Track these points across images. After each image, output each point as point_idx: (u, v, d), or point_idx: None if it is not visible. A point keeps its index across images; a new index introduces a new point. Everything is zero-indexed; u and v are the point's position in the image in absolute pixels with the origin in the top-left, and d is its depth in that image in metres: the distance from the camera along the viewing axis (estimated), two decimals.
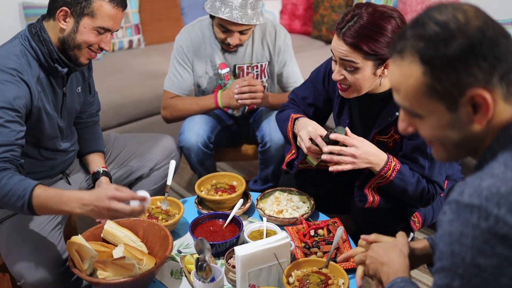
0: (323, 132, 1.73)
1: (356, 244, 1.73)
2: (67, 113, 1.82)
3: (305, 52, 3.49)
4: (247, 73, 2.30)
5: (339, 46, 1.57)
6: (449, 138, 0.93)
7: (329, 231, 1.82)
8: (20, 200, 1.40)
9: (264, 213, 1.88)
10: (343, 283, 1.51)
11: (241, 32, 2.12)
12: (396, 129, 1.72)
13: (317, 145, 1.71)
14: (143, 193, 1.43)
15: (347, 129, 1.69)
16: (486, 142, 0.91)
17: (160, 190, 2.16)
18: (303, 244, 1.75)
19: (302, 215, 1.87)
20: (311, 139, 1.73)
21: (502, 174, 0.81)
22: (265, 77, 2.35)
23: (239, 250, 1.49)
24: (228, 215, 1.85)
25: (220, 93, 2.23)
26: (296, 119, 1.87)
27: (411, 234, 1.95)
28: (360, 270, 1.35)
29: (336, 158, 1.66)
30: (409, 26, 0.90)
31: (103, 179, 1.91)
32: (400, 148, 1.76)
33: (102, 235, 1.67)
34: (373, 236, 1.38)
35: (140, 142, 2.13)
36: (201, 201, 2.00)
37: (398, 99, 0.95)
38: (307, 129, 1.74)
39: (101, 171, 1.92)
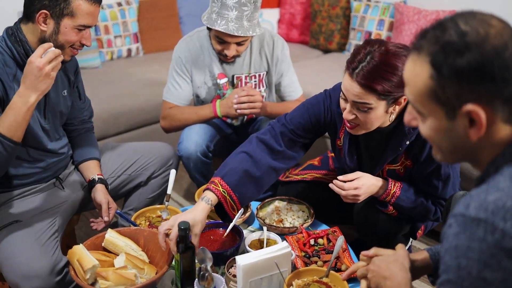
0: (197, 230, 1.59)
1: (356, 253, 1.76)
2: (52, 114, 1.82)
3: (303, 61, 3.52)
4: (245, 83, 2.32)
5: (352, 88, 1.52)
6: (444, 142, 0.94)
7: (329, 241, 1.83)
8: None
9: (264, 222, 1.89)
10: None
11: (238, 44, 2.14)
12: (406, 156, 1.71)
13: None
14: (44, 45, 1.53)
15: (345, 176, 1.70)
16: (482, 154, 0.92)
17: (158, 198, 2.17)
18: (303, 253, 1.76)
19: (302, 224, 1.88)
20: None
21: (508, 189, 0.81)
22: (263, 86, 2.37)
23: (241, 260, 1.50)
24: (228, 224, 1.85)
25: (218, 103, 2.25)
26: (207, 188, 1.70)
27: (410, 241, 1.97)
28: (363, 284, 1.36)
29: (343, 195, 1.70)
30: (432, 27, 0.90)
31: (99, 187, 1.91)
32: (410, 172, 1.75)
33: (103, 244, 1.68)
34: (373, 251, 1.39)
35: (138, 151, 2.14)
36: None
37: (406, 92, 0.97)
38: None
39: (97, 179, 1.93)
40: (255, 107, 2.18)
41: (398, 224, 1.84)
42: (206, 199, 1.65)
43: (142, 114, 2.95)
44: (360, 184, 1.69)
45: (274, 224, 1.91)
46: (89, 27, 1.68)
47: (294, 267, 1.67)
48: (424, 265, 1.34)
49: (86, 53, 3.31)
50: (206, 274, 1.43)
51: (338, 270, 1.66)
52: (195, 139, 2.21)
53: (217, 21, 2.03)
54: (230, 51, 2.13)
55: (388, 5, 3.44)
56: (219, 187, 1.68)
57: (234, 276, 1.61)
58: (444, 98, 0.88)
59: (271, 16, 4.03)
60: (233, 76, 2.30)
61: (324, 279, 1.58)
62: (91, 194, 1.92)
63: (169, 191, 1.98)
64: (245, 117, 2.42)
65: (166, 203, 1.96)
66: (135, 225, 1.84)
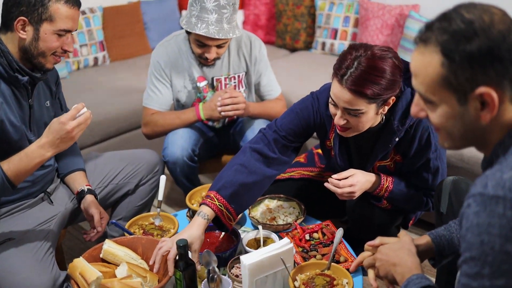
0: (196, 246, 1.62)
1: (349, 243, 1.81)
2: (37, 126, 1.78)
3: (271, 61, 3.48)
4: (225, 85, 2.33)
5: (343, 95, 1.54)
6: (455, 128, 0.99)
7: (323, 234, 1.87)
8: None
9: (257, 221, 1.91)
10: (347, 283, 1.56)
11: (218, 46, 2.14)
12: (396, 152, 1.76)
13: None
14: (78, 106, 1.53)
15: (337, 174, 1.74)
16: (491, 136, 0.98)
17: (146, 205, 2.15)
18: (300, 249, 1.79)
19: (295, 221, 1.91)
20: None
21: None
22: (242, 87, 2.38)
23: (246, 259, 1.51)
24: None
25: (201, 106, 2.24)
26: (203, 203, 1.70)
27: (401, 231, 2.03)
28: (371, 273, 1.41)
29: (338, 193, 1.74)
30: (437, 19, 0.96)
31: (89, 198, 1.87)
32: (401, 167, 1.80)
33: (101, 255, 1.65)
34: (378, 240, 1.44)
35: (123, 159, 2.11)
36: (193, 214, 2.00)
37: (415, 84, 1.01)
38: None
39: (86, 190, 1.89)
40: (239, 108, 2.19)
41: (391, 216, 1.89)
42: (203, 214, 1.66)
43: (117, 122, 2.91)
44: (355, 181, 1.73)
45: (268, 222, 1.93)
46: (69, 31, 1.65)
47: (293, 262, 1.70)
48: (427, 249, 1.39)
49: None
50: (216, 276, 1.44)
51: (337, 262, 1.70)
52: (180, 143, 2.20)
53: (197, 25, 2.03)
54: (211, 54, 2.13)
55: (352, 2, 3.52)
56: (215, 201, 1.68)
57: (237, 276, 1.62)
58: (456, 84, 0.93)
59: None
60: (212, 79, 2.31)
61: (327, 272, 1.61)
62: (80, 206, 1.88)
63: (160, 197, 1.97)
64: (226, 119, 2.42)
65: (158, 209, 1.95)
66: (130, 233, 1.82)
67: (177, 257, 1.52)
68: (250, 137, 2.25)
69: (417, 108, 1.05)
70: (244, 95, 2.40)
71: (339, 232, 1.71)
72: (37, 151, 1.52)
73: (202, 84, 2.30)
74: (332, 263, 1.63)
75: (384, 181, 1.78)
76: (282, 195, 2.06)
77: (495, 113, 0.93)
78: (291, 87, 2.98)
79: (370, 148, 1.79)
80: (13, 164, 1.53)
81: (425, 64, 0.96)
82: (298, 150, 1.90)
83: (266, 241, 1.82)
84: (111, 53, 3.65)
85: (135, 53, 3.78)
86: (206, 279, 1.50)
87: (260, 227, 1.86)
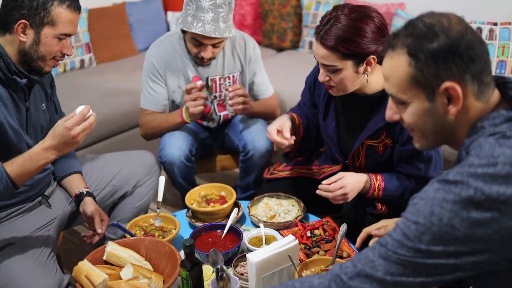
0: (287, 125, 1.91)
1: (350, 238, 1.82)
2: (33, 129, 1.76)
3: None
4: (220, 85, 2.33)
5: (319, 50, 1.64)
6: (427, 125, 1.08)
7: (324, 230, 1.88)
8: (1, 184, 1.50)
9: (258, 219, 1.91)
10: None
11: (214, 45, 2.14)
12: (387, 134, 1.77)
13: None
14: (81, 108, 1.54)
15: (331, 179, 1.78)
16: (459, 132, 1.07)
17: (144, 207, 2.13)
18: (303, 245, 1.80)
19: (296, 218, 1.92)
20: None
21: (478, 161, 0.97)
22: None
23: (252, 257, 1.51)
24: (224, 225, 1.86)
25: (184, 108, 2.24)
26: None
27: None
28: (363, 233, 1.53)
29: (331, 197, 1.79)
30: (402, 27, 1.07)
31: (88, 200, 1.85)
32: (390, 153, 1.81)
33: (105, 257, 1.64)
34: (381, 223, 1.54)
35: (120, 161, 2.09)
36: (192, 214, 2.00)
37: (387, 87, 1.11)
38: (271, 126, 1.92)
39: (84, 192, 1.87)
40: (247, 102, 2.20)
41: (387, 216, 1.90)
42: (285, 114, 2.01)
43: (108, 124, 2.89)
44: (345, 183, 1.74)
45: (269, 220, 1.93)
46: (69, 35, 1.64)
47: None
48: None
49: None
50: (224, 275, 1.44)
51: (340, 257, 1.71)
52: (177, 144, 2.19)
53: (193, 24, 2.03)
54: (207, 53, 2.13)
55: (338, 1, 3.55)
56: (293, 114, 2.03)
57: (242, 274, 1.63)
58: (424, 81, 1.03)
59: None
60: (207, 78, 2.30)
61: (331, 267, 1.62)
62: (79, 209, 1.86)
63: (159, 198, 1.96)
64: (221, 118, 2.42)
65: (158, 210, 1.94)
66: (132, 235, 1.80)
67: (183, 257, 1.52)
68: (247, 137, 2.26)
69: (391, 111, 1.16)
70: None
71: (343, 228, 1.72)
72: (41, 153, 1.52)
73: (191, 84, 2.29)
74: (337, 258, 1.64)
75: (374, 180, 1.78)
76: (281, 193, 2.07)
77: (460, 106, 1.02)
78: (280, 87, 2.99)
79: (363, 119, 1.81)
80: (17, 166, 1.52)
81: (394, 66, 1.06)
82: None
83: (269, 239, 1.82)
84: (98, 55, 3.62)
85: (122, 54, 3.75)
86: (213, 278, 1.50)
87: (261, 225, 1.86)
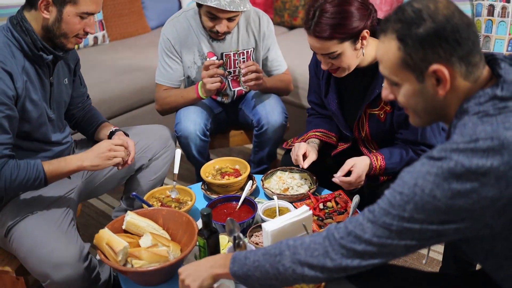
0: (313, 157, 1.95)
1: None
2: (56, 104, 1.81)
3: None
4: (234, 60, 2.35)
5: (314, 43, 1.69)
6: (419, 105, 1.14)
7: (336, 203, 1.92)
8: (37, 180, 1.62)
9: (272, 192, 1.95)
10: None
11: (229, 19, 2.16)
12: (386, 101, 1.81)
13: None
14: (130, 146, 1.80)
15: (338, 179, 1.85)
16: (450, 109, 1.13)
17: (160, 180, 2.18)
18: (316, 217, 1.84)
19: (309, 190, 1.96)
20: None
21: (461, 139, 1.03)
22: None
23: (268, 226, 1.56)
24: (239, 198, 1.91)
25: (200, 84, 2.27)
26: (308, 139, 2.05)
27: None
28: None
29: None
30: (393, 12, 1.11)
31: (119, 133, 1.95)
32: (391, 119, 1.87)
33: (124, 226, 1.68)
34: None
35: (136, 134, 2.13)
36: (207, 187, 2.04)
37: (381, 69, 1.16)
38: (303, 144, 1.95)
39: (114, 130, 1.98)
40: (260, 77, 2.22)
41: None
42: (312, 140, 2.04)
43: (122, 100, 2.93)
44: (360, 172, 1.82)
45: (282, 193, 1.97)
46: (92, 14, 1.66)
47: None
48: None
49: None
50: (241, 242, 1.49)
51: None
52: (193, 118, 2.23)
53: None
54: (222, 27, 2.15)
55: None
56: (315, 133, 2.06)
57: (257, 244, 1.67)
58: (412, 64, 1.08)
59: None
60: (222, 54, 2.33)
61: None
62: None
63: (175, 170, 2.01)
64: (235, 94, 2.45)
65: (174, 182, 1.99)
66: (149, 205, 1.85)
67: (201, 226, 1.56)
68: (261, 111, 2.29)
69: (386, 91, 1.21)
70: None
71: (355, 200, 1.76)
72: (76, 158, 1.68)
73: (212, 59, 2.31)
74: None
75: (375, 162, 1.85)
76: (293, 167, 2.10)
77: (448, 87, 1.07)
78: (293, 64, 2.99)
79: (362, 89, 1.87)
80: (53, 166, 1.65)
81: (386, 50, 1.11)
82: None
83: (282, 210, 1.87)
84: (110, 33, 3.64)
85: (134, 32, 3.77)
86: (230, 246, 1.55)
87: (275, 197, 1.90)
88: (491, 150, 0.98)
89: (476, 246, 1.10)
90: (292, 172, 2.10)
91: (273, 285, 1.22)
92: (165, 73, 2.32)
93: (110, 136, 1.95)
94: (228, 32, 2.24)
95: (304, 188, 2.01)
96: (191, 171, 2.86)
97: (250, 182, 1.98)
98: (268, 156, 2.41)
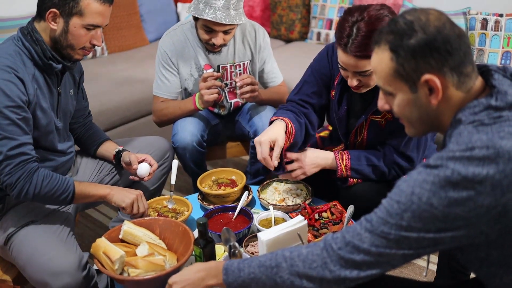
0: (281, 142, 1.80)
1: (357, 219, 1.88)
2: (63, 113, 1.85)
3: None
4: (231, 73, 2.39)
5: (349, 62, 1.65)
6: (413, 114, 1.16)
7: (332, 213, 1.94)
8: (65, 193, 1.69)
9: (268, 202, 1.97)
10: None
11: (225, 32, 2.20)
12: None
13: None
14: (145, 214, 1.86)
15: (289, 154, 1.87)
16: (444, 119, 1.15)
17: (158, 190, 2.20)
18: (311, 227, 1.86)
19: (304, 201, 1.98)
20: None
21: (457, 147, 1.04)
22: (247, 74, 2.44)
23: (263, 235, 1.57)
24: (235, 208, 1.93)
25: (197, 95, 2.30)
26: (272, 121, 1.91)
27: None
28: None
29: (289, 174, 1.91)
30: (387, 24, 1.14)
31: (125, 153, 2.00)
32: (391, 126, 1.88)
33: (121, 236, 1.70)
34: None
35: (135, 146, 2.16)
36: (203, 197, 2.07)
37: (376, 79, 1.19)
38: (265, 137, 1.80)
39: (121, 149, 2.02)
40: (256, 90, 2.25)
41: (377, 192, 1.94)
42: (280, 120, 1.87)
43: (120, 111, 2.96)
44: (302, 157, 1.87)
45: (278, 203, 1.99)
46: (98, 26, 1.69)
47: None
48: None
49: None
50: (236, 251, 1.50)
51: None
52: (190, 129, 2.26)
53: (204, 11, 2.09)
54: (218, 40, 2.19)
55: None
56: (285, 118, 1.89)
57: (253, 253, 1.69)
58: (405, 74, 1.10)
59: None
60: (218, 66, 2.37)
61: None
62: (121, 163, 2.00)
63: (172, 181, 2.03)
64: (232, 106, 2.49)
65: (171, 193, 2.01)
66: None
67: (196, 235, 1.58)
68: (257, 123, 2.32)
69: (382, 101, 1.24)
70: None
71: (350, 209, 1.78)
72: (103, 188, 1.80)
73: (209, 71, 2.35)
74: None
75: (339, 161, 1.88)
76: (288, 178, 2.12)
77: (440, 96, 1.10)
78: (289, 76, 3.03)
79: (369, 100, 1.86)
80: (83, 186, 1.75)
81: (379, 61, 1.14)
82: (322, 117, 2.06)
83: (278, 221, 1.89)
84: (109, 45, 3.69)
85: (133, 44, 3.82)
86: (226, 255, 1.57)
87: (271, 207, 1.93)
88: (487, 159, 1.00)
89: (471, 254, 1.12)
90: (288, 183, 2.13)
91: None
92: (162, 85, 2.35)
93: (116, 155, 2.00)
94: (224, 45, 2.28)
95: (300, 199, 2.03)
96: (188, 181, 2.88)
97: (246, 192, 2.01)
98: (264, 168, 2.42)
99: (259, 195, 2.03)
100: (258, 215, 1.90)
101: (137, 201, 1.81)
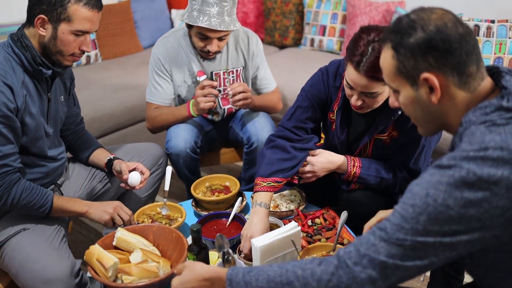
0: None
1: (350, 226, 1.89)
2: (53, 120, 1.84)
3: None
4: (224, 79, 2.40)
5: (360, 81, 1.61)
6: (418, 112, 1.17)
7: (325, 219, 1.95)
8: (42, 207, 1.71)
9: None
10: None
11: (220, 39, 2.21)
12: (394, 127, 1.82)
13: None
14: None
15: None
16: (449, 118, 1.15)
17: (151, 197, 2.20)
18: (304, 234, 1.86)
19: (298, 207, 1.99)
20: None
21: (470, 147, 1.04)
22: (240, 81, 2.45)
23: (257, 242, 1.58)
24: (229, 214, 1.93)
25: (192, 102, 2.30)
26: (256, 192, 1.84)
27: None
28: (366, 228, 1.58)
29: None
30: (393, 24, 1.15)
31: (116, 162, 1.98)
32: (395, 143, 1.85)
33: (114, 243, 1.70)
34: (379, 217, 1.58)
35: (128, 152, 2.16)
36: (197, 204, 2.07)
37: (383, 76, 1.20)
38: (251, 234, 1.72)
39: (112, 158, 2.01)
40: (248, 97, 2.25)
41: (385, 202, 1.95)
42: (264, 205, 1.79)
43: (114, 118, 2.96)
44: (315, 161, 1.87)
45: (272, 209, 1.99)
46: (87, 32, 1.69)
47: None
48: None
49: None
50: (230, 258, 1.50)
51: (341, 244, 1.78)
52: (183, 135, 2.26)
53: (199, 18, 2.10)
54: (213, 46, 2.19)
55: (339, 0, 3.61)
56: (264, 183, 1.82)
57: (247, 259, 1.69)
58: (405, 72, 1.12)
59: None
60: (211, 73, 2.37)
61: (332, 253, 1.69)
62: (113, 172, 1.98)
63: (166, 187, 2.03)
64: (225, 112, 2.49)
65: (165, 199, 2.01)
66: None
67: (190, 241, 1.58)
68: (251, 129, 2.33)
69: (392, 98, 1.26)
70: None
71: (343, 216, 1.79)
72: (82, 204, 1.80)
73: (202, 78, 2.35)
74: (338, 245, 1.71)
75: (351, 168, 1.86)
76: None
77: (439, 94, 1.10)
78: (283, 82, 3.05)
79: (371, 120, 1.84)
80: (61, 201, 1.76)
81: (384, 58, 1.17)
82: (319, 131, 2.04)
83: (272, 227, 1.89)
84: (103, 52, 3.69)
85: (127, 51, 3.82)
86: (219, 262, 1.57)
87: None
88: (501, 160, 0.99)
89: (480, 258, 1.12)
90: (282, 189, 2.13)
91: None
92: (155, 92, 2.35)
93: (108, 164, 1.98)
94: (219, 51, 2.29)
95: (293, 205, 2.04)
96: (181, 188, 2.88)
97: (240, 199, 2.01)
98: None
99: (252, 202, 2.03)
100: None
101: (116, 213, 1.80)
